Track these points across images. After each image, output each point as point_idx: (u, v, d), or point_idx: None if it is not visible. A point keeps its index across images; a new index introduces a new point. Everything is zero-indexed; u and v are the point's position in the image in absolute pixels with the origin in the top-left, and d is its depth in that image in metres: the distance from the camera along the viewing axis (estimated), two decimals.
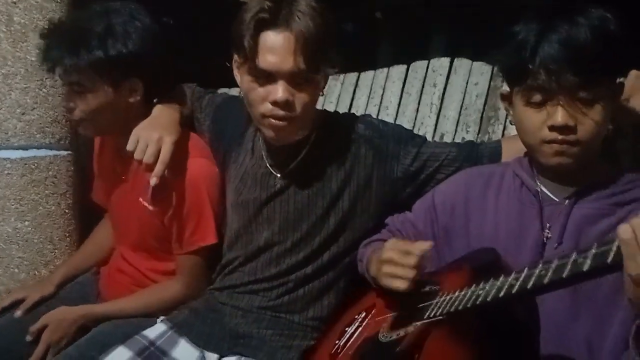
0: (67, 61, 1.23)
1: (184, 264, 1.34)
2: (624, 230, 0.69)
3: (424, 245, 0.96)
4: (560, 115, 0.89)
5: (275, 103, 1.10)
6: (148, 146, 1.22)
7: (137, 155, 1.22)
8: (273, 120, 1.13)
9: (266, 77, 1.10)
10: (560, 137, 0.91)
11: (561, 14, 0.91)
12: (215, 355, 1.22)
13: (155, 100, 1.37)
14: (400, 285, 0.97)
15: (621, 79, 0.98)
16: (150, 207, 1.32)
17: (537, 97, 0.92)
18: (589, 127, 0.90)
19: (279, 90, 1.09)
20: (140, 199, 1.34)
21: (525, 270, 0.79)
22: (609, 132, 0.98)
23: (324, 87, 1.19)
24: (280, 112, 1.11)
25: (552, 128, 0.91)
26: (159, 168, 1.22)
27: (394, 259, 0.98)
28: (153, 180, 1.21)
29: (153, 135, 1.23)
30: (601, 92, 0.89)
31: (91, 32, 1.23)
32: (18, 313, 1.38)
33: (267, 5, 1.07)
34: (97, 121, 1.30)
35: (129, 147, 1.23)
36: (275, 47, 1.07)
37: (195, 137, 1.36)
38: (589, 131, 0.90)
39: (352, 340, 1.09)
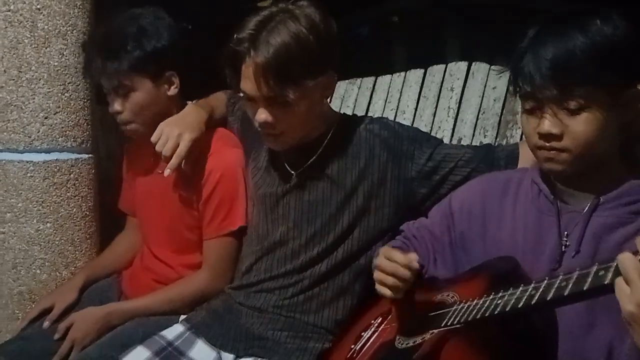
0: (110, 67, 1.33)
1: (212, 249, 1.38)
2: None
3: (412, 259, 0.96)
4: (545, 124, 0.91)
5: (258, 124, 1.17)
6: (168, 140, 1.29)
7: (158, 147, 1.30)
8: (264, 136, 1.22)
9: (251, 100, 1.17)
10: (547, 144, 0.92)
11: (556, 24, 0.92)
12: (232, 356, 1.24)
13: (194, 102, 1.45)
14: (386, 293, 0.99)
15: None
16: (185, 195, 1.40)
17: (530, 104, 0.94)
18: (575, 136, 0.90)
19: (259, 114, 1.16)
20: (175, 189, 1.40)
21: (545, 280, 0.79)
22: (628, 138, 0.97)
23: (326, 96, 1.22)
24: (266, 130, 1.18)
25: (540, 135, 0.93)
26: (173, 161, 1.29)
27: (384, 267, 0.99)
28: (167, 172, 1.30)
29: (174, 130, 1.31)
30: (592, 101, 0.88)
31: (126, 35, 1.35)
32: (46, 324, 1.41)
33: (245, 34, 1.12)
34: (144, 119, 1.39)
35: (153, 138, 1.31)
36: (248, 74, 1.13)
37: (226, 131, 1.46)
38: (575, 139, 0.90)
39: (368, 345, 1.09)
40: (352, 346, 1.13)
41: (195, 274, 1.40)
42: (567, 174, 0.95)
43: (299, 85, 1.12)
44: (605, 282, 0.70)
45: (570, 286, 0.73)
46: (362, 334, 1.13)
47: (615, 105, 0.90)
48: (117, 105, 1.39)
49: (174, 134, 1.30)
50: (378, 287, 1.02)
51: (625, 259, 0.69)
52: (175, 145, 1.30)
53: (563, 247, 0.95)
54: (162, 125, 1.33)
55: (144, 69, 1.35)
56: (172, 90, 1.41)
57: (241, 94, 1.21)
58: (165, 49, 1.36)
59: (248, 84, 1.14)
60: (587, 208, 0.95)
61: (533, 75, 0.90)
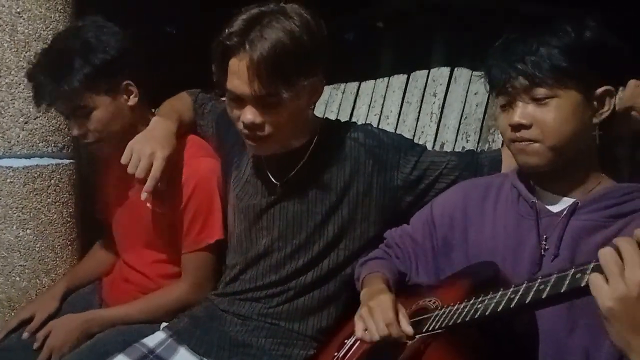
0: (63, 90, 1.26)
1: (190, 263, 1.36)
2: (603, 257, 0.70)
3: (408, 331, 0.94)
4: (515, 115, 0.96)
5: (244, 125, 1.13)
6: (140, 160, 1.23)
7: (130, 169, 1.24)
8: (247, 140, 1.17)
9: (237, 99, 1.12)
10: (517, 134, 0.96)
11: (529, 27, 0.98)
12: None
13: (156, 110, 1.40)
14: (362, 336, 0.97)
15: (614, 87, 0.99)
16: (158, 210, 1.35)
17: (503, 100, 0.98)
18: (543, 125, 0.94)
19: (246, 113, 1.11)
20: (148, 204, 1.36)
21: (524, 284, 0.79)
22: (608, 139, 0.98)
23: (313, 102, 1.19)
24: (251, 133, 1.14)
25: (511, 128, 0.97)
26: (149, 183, 1.23)
27: (373, 311, 0.97)
28: (143, 195, 1.23)
29: (145, 149, 1.25)
30: (560, 91, 0.93)
31: (71, 53, 1.28)
32: (26, 335, 1.38)
33: (237, 28, 1.09)
34: (110, 135, 1.34)
35: (123, 159, 1.25)
36: (238, 72, 1.09)
37: (198, 139, 1.41)
38: (544, 129, 0.94)
39: (351, 352, 1.09)
40: (336, 353, 1.13)
41: (175, 284, 1.38)
42: (543, 169, 0.97)
43: (291, 84, 1.08)
44: (582, 285, 0.70)
45: (548, 289, 0.74)
46: (346, 341, 1.13)
47: (587, 102, 0.94)
48: (79, 129, 1.33)
49: (145, 153, 1.24)
50: (357, 322, 1.00)
51: (606, 253, 0.70)
52: (148, 165, 1.23)
53: (542, 250, 0.96)
54: (132, 144, 1.26)
55: (98, 84, 1.29)
56: (132, 100, 1.34)
57: (216, 95, 1.18)
58: (115, 60, 1.29)
59: (237, 82, 1.09)
60: (565, 212, 0.96)
61: (504, 67, 0.95)
